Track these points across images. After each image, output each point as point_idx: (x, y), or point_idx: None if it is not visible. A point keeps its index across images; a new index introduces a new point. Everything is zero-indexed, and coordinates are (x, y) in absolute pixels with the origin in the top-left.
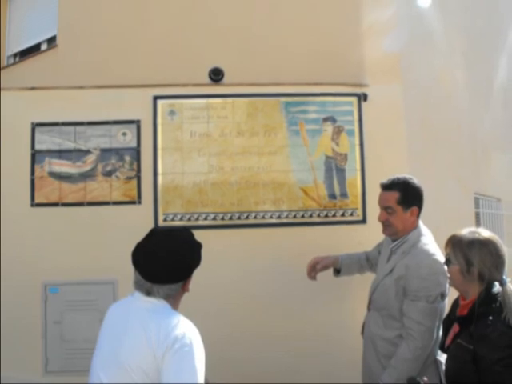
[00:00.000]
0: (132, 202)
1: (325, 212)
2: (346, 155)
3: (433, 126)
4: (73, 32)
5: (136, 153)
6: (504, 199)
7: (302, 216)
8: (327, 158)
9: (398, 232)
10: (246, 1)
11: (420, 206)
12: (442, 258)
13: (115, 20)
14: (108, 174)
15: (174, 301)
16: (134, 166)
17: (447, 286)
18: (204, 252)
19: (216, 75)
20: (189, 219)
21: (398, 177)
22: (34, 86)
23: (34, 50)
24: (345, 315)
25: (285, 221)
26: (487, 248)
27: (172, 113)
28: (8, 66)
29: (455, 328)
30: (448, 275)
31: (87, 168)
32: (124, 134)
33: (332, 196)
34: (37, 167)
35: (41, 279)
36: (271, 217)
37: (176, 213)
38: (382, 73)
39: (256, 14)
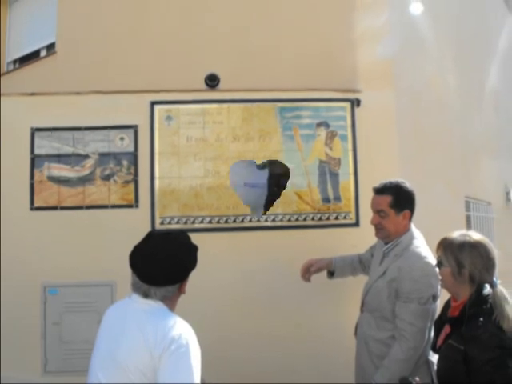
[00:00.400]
0: (129, 206)
1: (319, 215)
2: (339, 159)
3: (424, 131)
4: (71, 39)
5: (133, 157)
6: (494, 203)
7: (297, 219)
8: (321, 162)
9: (390, 235)
10: (241, 8)
11: (412, 210)
12: (433, 261)
13: (113, 27)
14: (106, 178)
15: (170, 302)
16: (132, 170)
17: (439, 287)
18: (200, 254)
19: (212, 81)
20: (185, 222)
21: (390, 181)
22: (34, 92)
23: (33, 56)
24: (339, 317)
25: (279, 224)
26: (478, 250)
27: (169, 118)
28: (8, 72)
29: (446, 329)
30: (439, 277)
31: (86, 172)
32: (122, 138)
33: (326, 200)
34: (36, 171)
35: (40, 281)
36: (266, 220)
37: (173, 216)
38: (375, 79)
39: (251, 21)
